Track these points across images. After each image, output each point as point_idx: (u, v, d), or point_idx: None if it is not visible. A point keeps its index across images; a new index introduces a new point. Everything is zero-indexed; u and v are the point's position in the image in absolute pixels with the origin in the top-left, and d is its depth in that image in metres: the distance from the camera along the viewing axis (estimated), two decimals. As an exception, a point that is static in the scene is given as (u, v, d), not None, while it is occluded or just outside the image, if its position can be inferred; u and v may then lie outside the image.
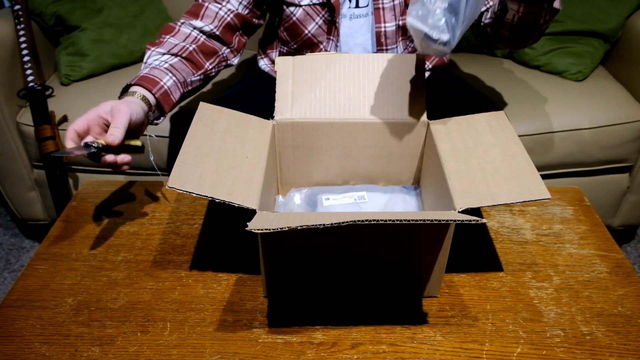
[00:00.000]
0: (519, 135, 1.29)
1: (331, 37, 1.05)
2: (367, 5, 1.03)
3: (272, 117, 0.82)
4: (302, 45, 1.07)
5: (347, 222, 0.55)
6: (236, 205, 0.65)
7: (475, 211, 0.90)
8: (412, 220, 0.56)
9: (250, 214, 0.64)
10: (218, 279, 0.77)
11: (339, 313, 0.71)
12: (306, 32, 1.04)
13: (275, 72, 0.84)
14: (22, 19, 1.40)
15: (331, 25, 1.03)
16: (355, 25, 1.05)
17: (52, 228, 0.87)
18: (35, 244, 1.64)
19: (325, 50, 1.06)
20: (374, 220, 0.55)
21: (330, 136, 0.83)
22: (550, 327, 0.70)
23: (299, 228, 0.56)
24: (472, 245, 0.83)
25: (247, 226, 0.58)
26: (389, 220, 0.56)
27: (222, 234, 0.85)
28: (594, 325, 0.70)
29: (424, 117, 0.82)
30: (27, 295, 0.74)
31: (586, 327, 0.70)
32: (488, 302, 0.73)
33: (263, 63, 1.20)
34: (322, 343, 0.67)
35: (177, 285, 0.76)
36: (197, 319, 0.71)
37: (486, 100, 1.16)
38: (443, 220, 0.57)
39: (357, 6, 1.03)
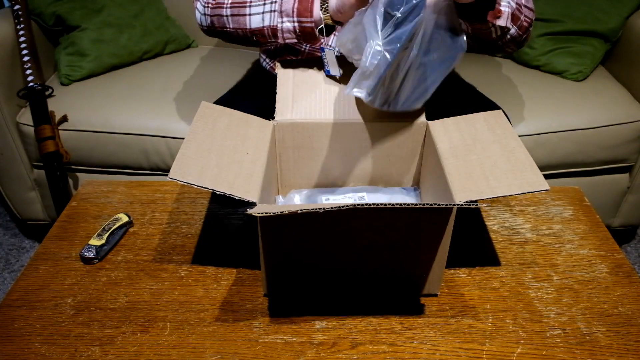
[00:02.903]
0: (519, 136, 1.30)
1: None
2: None
3: (273, 118, 0.82)
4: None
5: (347, 206, 0.56)
6: (237, 198, 0.65)
7: (476, 211, 0.90)
8: (412, 205, 0.57)
9: (250, 208, 0.64)
10: (218, 279, 0.77)
11: (339, 313, 0.71)
12: None
13: (276, 72, 0.84)
14: (22, 19, 1.40)
15: None
16: None
17: (52, 228, 0.87)
18: (35, 244, 1.64)
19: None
20: (373, 204, 0.56)
21: (330, 137, 0.83)
22: (551, 327, 0.70)
23: (299, 212, 0.57)
24: (472, 245, 0.83)
25: (247, 211, 0.58)
26: (389, 204, 0.57)
27: (222, 234, 0.85)
28: (594, 325, 0.70)
29: (423, 118, 0.82)
30: (27, 295, 0.74)
31: (586, 327, 0.70)
32: (488, 302, 0.73)
33: (264, 61, 1.20)
34: (322, 343, 0.67)
35: (177, 285, 0.76)
36: (197, 319, 0.71)
37: (486, 100, 1.16)
38: (442, 205, 0.58)
39: None
